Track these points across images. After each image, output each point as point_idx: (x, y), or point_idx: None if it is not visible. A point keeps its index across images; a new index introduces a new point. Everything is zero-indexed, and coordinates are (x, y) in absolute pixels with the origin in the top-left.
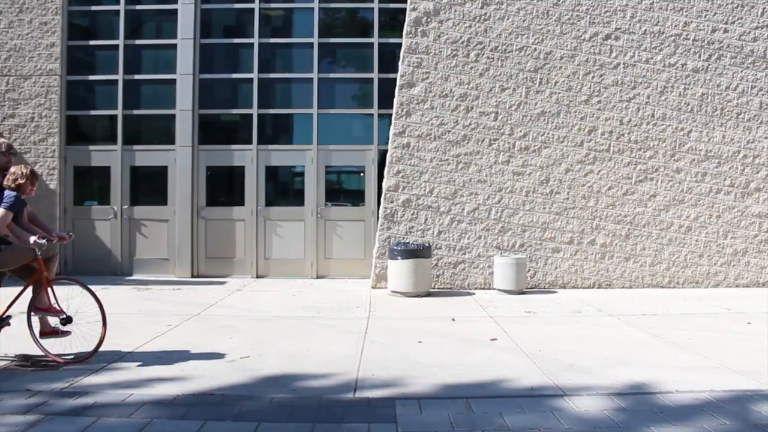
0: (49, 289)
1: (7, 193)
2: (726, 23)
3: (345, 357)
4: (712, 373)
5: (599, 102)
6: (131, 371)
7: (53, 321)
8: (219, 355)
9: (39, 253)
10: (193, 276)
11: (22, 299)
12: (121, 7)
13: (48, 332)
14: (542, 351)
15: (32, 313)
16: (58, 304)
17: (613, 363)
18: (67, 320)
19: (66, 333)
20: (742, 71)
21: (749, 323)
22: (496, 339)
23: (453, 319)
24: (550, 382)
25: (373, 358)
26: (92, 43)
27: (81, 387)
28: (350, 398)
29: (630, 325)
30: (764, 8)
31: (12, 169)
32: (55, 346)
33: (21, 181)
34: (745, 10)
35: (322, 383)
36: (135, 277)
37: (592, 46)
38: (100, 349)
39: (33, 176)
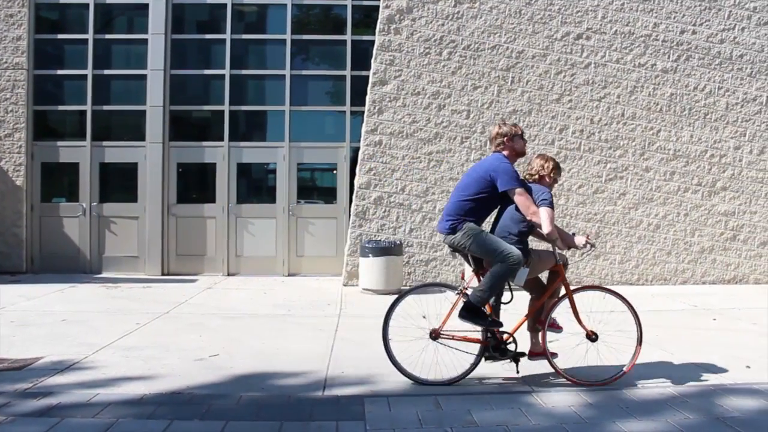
0: (563, 302)
1: (537, 187)
2: (694, 25)
3: (315, 355)
4: (677, 369)
5: (570, 101)
6: (97, 370)
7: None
8: (188, 354)
9: (559, 259)
10: (163, 274)
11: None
12: (91, 0)
13: (538, 353)
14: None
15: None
16: (579, 318)
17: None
18: (593, 337)
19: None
20: (709, 72)
21: (714, 319)
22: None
23: (424, 317)
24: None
25: (343, 356)
26: (61, 36)
27: (45, 387)
28: (319, 396)
29: (598, 322)
30: (731, 11)
31: (536, 161)
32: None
33: (543, 173)
34: (712, 12)
35: (292, 381)
36: (104, 275)
37: (564, 45)
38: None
39: (556, 169)
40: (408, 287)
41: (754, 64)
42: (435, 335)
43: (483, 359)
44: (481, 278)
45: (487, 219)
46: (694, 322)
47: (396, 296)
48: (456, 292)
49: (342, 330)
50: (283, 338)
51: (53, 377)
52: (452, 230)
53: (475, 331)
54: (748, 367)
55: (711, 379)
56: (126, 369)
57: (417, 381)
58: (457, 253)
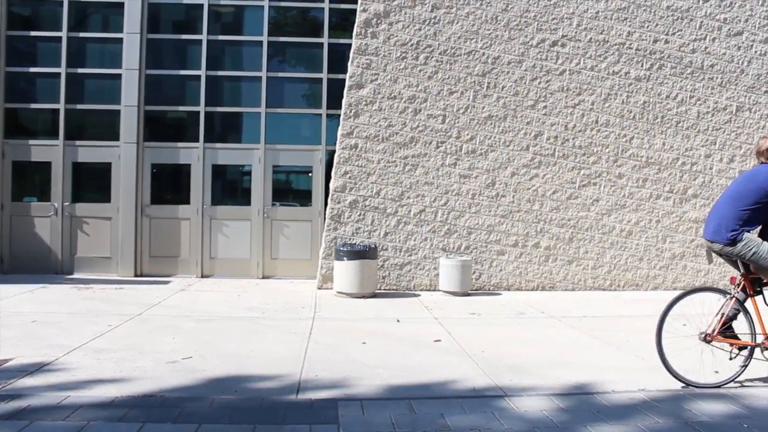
0: None
1: None
2: (667, 34)
3: (289, 358)
4: (647, 373)
5: (545, 107)
6: (68, 373)
7: None
8: (161, 356)
9: None
10: (136, 275)
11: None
12: None
13: None
14: (485, 352)
15: None
16: None
17: (554, 364)
18: None
19: None
20: (681, 81)
21: (684, 325)
22: (440, 340)
23: (398, 320)
24: (492, 382)
25: (317, 359)
26: (33, 33)
27: (14, 390)
28: (293, 399)
29: (571, 327)
30: (702, 22)
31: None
32: None
33: None
34: (684, 22)
35: (265, 384)
36: (76, 275)
37: (539, 52)
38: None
39: None
40: (383, 290)
41: (725, 74)
42: (708, 338)
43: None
44: (750, 282)
45: None
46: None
47: (669, 302)
48: (728, 296)
49: (316, 333)
50: (256, 341)
51: (22, 379)
52: (732, 241)
53: (744, 334)
54: (717, 371)
55: (679, 384)
56: (97, 371)
57: (689, 384)
58: (720, 259)
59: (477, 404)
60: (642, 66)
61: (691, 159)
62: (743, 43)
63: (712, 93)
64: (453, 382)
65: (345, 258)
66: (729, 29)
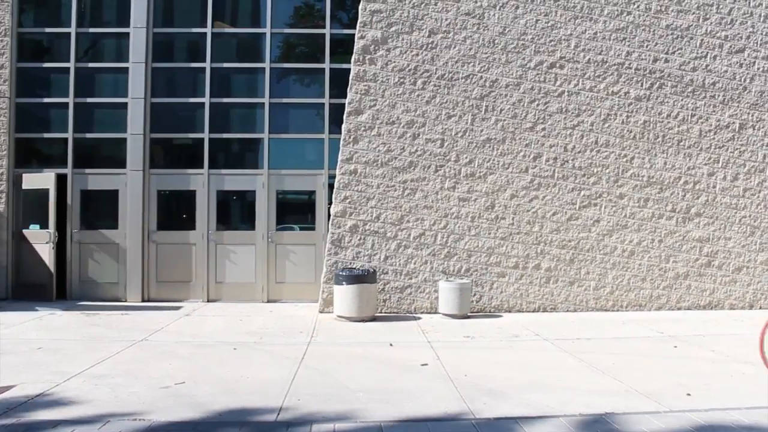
0: None
1: None
2: (667, 53)
3: (277, 382)
4: (620, 396)
5: (544, 129)
6: (65, 399)
7: None
8: (155, 382)
9: None
10: (143, 300)
11: None
12: (72, 29)
13: None
14: (468, 376)
15: None
16: None
17: (532, 387)
18: None
19: None
20: (682, 100)
21: (675, 347)
22: (426, 364)
23: (391, 344)
24: (465, 407)
25: (303, 384)
26: (43, 65)
27: (13, 415)
28: (271, 421)
29: (561, 350)
30: (702, 40)
31: None
32: None
33: None
34: (684, 41)
35: (249, 407)
36: (85, 301)
37: (537, 74)
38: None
39: None
40: (383, 313)
41: (726, 91)
42: None
43: None
44: None
45: None
46: (655, 350)
47: None
48: None
49: (308, 358)
50: (249, 366)
51: (22, 406)
52: None
53: None
54: (689, 394)
55: (647, 407)
56: (93, 396)
57: None
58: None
59: (444, 427)
60: (642, 85)
61: (694, 178)
62: (745, 60)
63: (714, 111)
64: (428, 406)
65: (344, 282)
66: (730, 46)
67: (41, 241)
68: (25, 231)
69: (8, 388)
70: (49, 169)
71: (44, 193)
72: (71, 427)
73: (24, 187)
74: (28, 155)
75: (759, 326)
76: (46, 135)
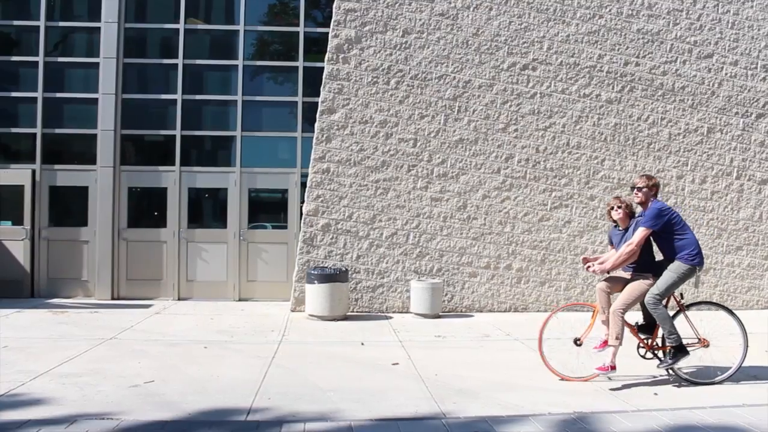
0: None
1: None
2: (638, 57)
3: (247, 381)
4: (589, 396)
5: (516, 130)
6: (30, 398)
7: None
8: (124, 381)
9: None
10: (113, 298)
11: None
12: (42, 23)
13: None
14: (438, 375)
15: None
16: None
17: (502, 387)
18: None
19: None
20: (652, 103)
21: None
22: (397, 363)
23: (362, 344)
24: (435, 406)
25: (273, 383)
26: (11, 58)
27: None
28: (241, 421)
29: (532, 350)
30: (672, 44)
31: None
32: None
33: None
34: (655, 45)
35: (219, 407)
36: (53, 299)
37: (510, 75)
38: None
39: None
40: (355, 313)
41: (695, 95)
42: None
43: None
44: None
45: None
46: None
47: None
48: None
49: (279, 357)
50: (220, 365)
51: None
52: None
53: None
54: (656, 394)
55: (613, 407)
56: (60, 396)
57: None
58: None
59: (414, 426)
60: (613, 88)
61: (663, 180)
62: (714, 65)
63: (683, 115)
64: (398, 406)
65: (316, 281)
66: (699, 51)
67: (15, 238)
68: None
69: None
70: (17, 165)
71: (16, 189)
72: (38, 427)
73: (1, 182)
74: None
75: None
76: (14, 130)
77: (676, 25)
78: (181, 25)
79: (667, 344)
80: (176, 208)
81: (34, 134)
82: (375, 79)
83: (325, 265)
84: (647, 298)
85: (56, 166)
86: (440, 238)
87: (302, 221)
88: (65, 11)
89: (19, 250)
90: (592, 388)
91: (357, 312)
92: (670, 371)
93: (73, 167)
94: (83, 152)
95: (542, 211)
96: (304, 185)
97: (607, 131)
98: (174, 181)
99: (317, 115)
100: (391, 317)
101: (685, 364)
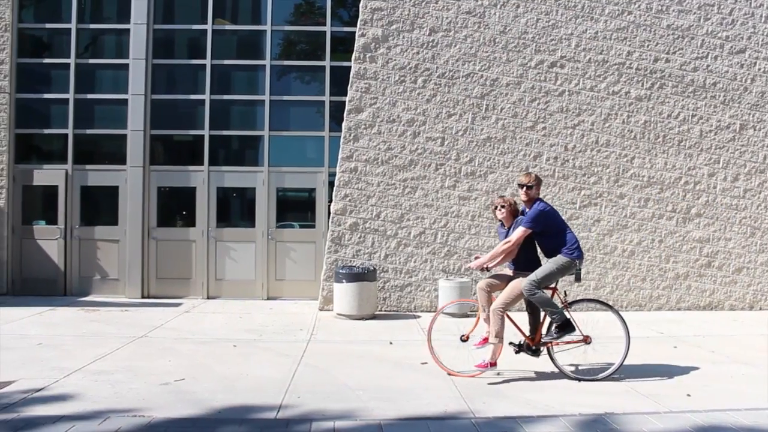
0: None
1: None
2: (668, 53)
3: (276, 380)
4: (620, 397)
5: (544, 128)
6: (65, 394)
7: None
8: (155, 379)
9: None
10: (143, 296)
11: None
12: (73, 25)
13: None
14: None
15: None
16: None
17: (532, 387)
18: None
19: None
20: (683, 100)
21: (675, 347)
22: (426, 363)
23: (390, 343)
24: (464, 405)
25: (302, 382)
26: (43, 61)
27: (12, 411)
28: (271, 419)
29: (562, 349)
30: (703, 40)
31: None
32: None
33: None
34: (685, 41)
35: (249, 405)
36: (85, 298)
37: (538, 73)
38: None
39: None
40: (383, 312)
41: (727, 92)
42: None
43: None
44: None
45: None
46: (655, 350)
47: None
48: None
49: (308, 356)
50: (249, 363)
51: (21, 401)
52: None
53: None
54: (689, 395)
55: (646, 407)
56: (93, 392)
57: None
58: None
59: (443, 426)
60: (642, 85)
61: (694, 178)
62: (746, 60)
63: (714, 111)
64: (427, 405)
65: (344, 280)
66: (731, 47)
67: (49, 237)
68: (31, 227)
69: (8, 383)
70: (49, 165)
71: (50, 189)
72: (71, 423)
73: (35, 183)
74: (28, 151)
75: (760, 326)
76: (47, 131)
77: (708, 20)
78: (208, 26)
79: (554, 324)
80: (205, 207)
81: (66, 135)
82: (402, 78)
83: (353, 264)
84: (524, 284)
85: (87, 166)
86: (468, 237)
87: (330, 220)
88: (95, 13)
89: (54, 249)
90: (623, 388)
91: (385, 311)
92: (558, 368)
93: (104, 167)
94: (113, 152)
95: (571, 209)
96: (331, 184)
97: (636, 129)
98: (202, 180)
99: (344, 114)
100: (419, 316)
101: (568, 350)
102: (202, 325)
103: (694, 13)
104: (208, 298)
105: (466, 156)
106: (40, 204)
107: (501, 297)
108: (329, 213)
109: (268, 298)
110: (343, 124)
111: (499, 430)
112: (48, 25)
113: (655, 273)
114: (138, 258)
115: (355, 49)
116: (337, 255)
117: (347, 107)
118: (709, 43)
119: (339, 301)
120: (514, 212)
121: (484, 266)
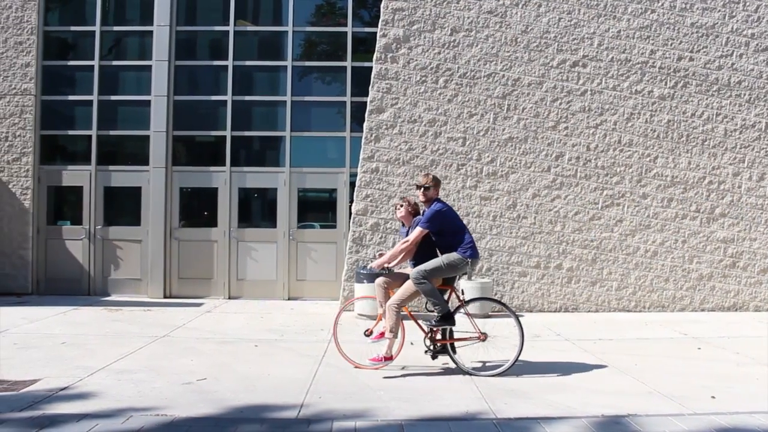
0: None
1: None
2: (691, 52)
3: (298, 380)
4: (643, 398)
5: (566, 128)
6: (89, 393)
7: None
8: (177, 378)
9: None
10: (165, 296)
11: None
12: (97, 28)
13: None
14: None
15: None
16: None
17: (554, 388)
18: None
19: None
20: (707, 99)
21: (699, 348)
22: (447, 364)
23: (411, 343)
24: (486, 406)
25: (324, 382)
26: (67, 63)
27: (37, 409)
28: (292, 418)
29: (583, 350)
30: (728, 38)
31: None
32: None
33: None
34: (709, 39)
35: (270, 404)
36: (107, 297)
37: (560, 72)
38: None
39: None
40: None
41: (753, 90)
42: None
43: None
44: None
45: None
46: (678, 351)
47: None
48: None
49: (329, 356)
50: (270, 363)
51: (46, 399)
52: None
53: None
54: (713, 397)
55: (670, 409)
56: (116, 391)
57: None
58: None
59: (465, 427)
60: (666, 84)
61: (719, 178)
62: None
63: (739, 110)
64: (449, 406)
65: (365, 281)
66: (757, 44)
67: (74, 237)
68: (55, 227)
69: (33, 381)
70: (73, 166)
71: (74, 189)
72: (95, 421)
73: (59, 183)
74: (52, 152)
75: None
76: (71, 132)
77: (732, 17)
78: (230, 27)
79: (436, 313)
80: (227, 207)
81: (90, 136)
82: (423, 78)
83: None
84: (413, 273)
85: (110, 167)
86: (490, 237)
87: (351, 221)
88: (119, 16)
89: (78, 249)
90: (646, 390)
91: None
92: (456, 364)
93: (127, 168)
94: (136, 153)
95: (593, 209)
96: (352, 185)
97: (660, 128)
98: (224, 181)
99: (366, 115)
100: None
101: (463, 346)
102: (223, 325)
103: (719, 11)
104: (229, 298)
105: (488, 156)
106: (64, 204)
107: (397, 293)
108: (350, 213)
109: (289, 299)
110: (365, 125)
111: (521, 431)
112: (73, 28)
113: (679, 273)
114: (160, 258)
115: (376, 49)
116: (358, 255)
117: (368, 107)
118: (734, 41)
119: (360, 301)
120: (413, 212)
121: (385, 265)
